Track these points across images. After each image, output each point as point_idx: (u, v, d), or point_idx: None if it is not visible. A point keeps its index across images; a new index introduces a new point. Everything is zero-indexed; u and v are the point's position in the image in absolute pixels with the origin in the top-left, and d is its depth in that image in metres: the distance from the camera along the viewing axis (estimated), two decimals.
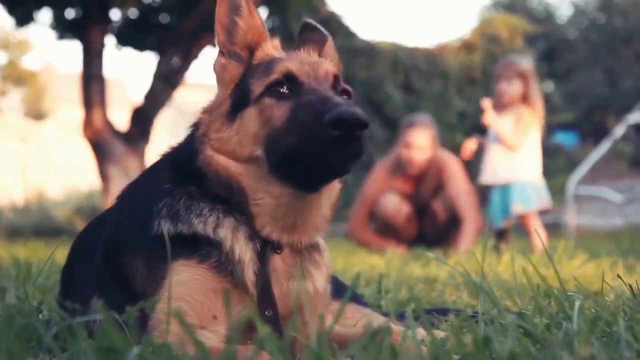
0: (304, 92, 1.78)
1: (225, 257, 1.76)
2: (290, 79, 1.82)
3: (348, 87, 1.92)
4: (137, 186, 2.02)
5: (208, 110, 1.93)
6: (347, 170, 1.77)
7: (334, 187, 1.90)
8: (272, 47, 1.97)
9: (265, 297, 1.76)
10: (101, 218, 2.11)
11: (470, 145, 6.44)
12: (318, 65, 1.88)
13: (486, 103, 6.30)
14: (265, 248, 1.81)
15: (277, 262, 1.84)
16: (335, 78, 1.88)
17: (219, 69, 1.97)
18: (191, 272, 1.72)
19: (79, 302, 1.83)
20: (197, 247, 1.76)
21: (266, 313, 1.74)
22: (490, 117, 6.25)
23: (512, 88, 6.28)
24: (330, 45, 2.06)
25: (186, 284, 1.71)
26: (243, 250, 1.77)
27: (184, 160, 1.88)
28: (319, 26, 2.10)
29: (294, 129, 1.70)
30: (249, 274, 1.76)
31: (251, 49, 1.95)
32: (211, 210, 1.80)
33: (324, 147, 1.67)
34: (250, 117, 1.81)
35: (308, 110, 1.70)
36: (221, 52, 1.98)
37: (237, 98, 1.88)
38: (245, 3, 1.95)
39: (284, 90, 1.81)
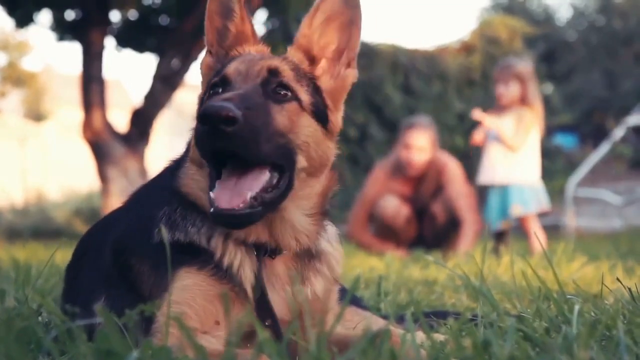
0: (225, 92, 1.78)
1: (220, 264, 1.78)
2: (224, 80, 1.83)
3: (287, 82, 1.82)
4: (144, 189, 2.06)
5: None
6: (241, 163, 1.70)
7: (306, 187, 1.85)
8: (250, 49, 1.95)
9: (262, 305, 1.77)
10: (107, 220, 2.13)
11: (478, 136, 6.43)
12: (255, 63, 1.85)
13: (477, 114, 6.33)
14: (259, 253, 1.81)
15: (280, 268, 1.85)
16: (271, 72, 1.82)
17: (205, 69, 1.98)
18: (194, 279, 1.75)
19: (85, 303, 1.84)
20: (195, 254, 1.78)
21: (266, 323, 1.75)
22: (489, 120, 6.26)
23: (509, 91, 6.30)
24: (302, 26, 1.96)
25: (190, 289, 1.73)
26: (232, 257, 1.79)
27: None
28: None
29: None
30: (246, 279, 1.78)
31: (228, 52, 1.97)
32: (203, 220, 1.81)
33: (200, 142, 1.70)
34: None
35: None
36: (209, 52, 1.99)
37: (200, 101, 1.91)
38: (238, 8, 1.95)
39: (219, 91, 1.82)
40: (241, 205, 1.68)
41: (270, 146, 1.71)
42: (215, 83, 1.84)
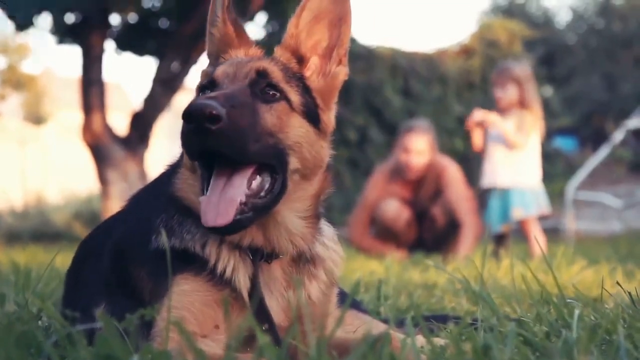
0: None
1: (214, 270, 1.77)
2: (212, 82, 1.82)
3: (276, 82, 1.81)
4: (143, 194, 2.05)
5: None
6: (230, 164, 1.69)
7: (300, 189, 1.83)
8: (240, 53, 1.94)
9: (259, 310, 1.76)
10: (106, 224, 2.13)
11: (477, 139, 6.42)
12: (243, 65, 1.84)
13: (478, 114, 6.32)
14: (255, 257, 1.80)
15: (277, 272, 1.85)
16: (260, 74, 1.81)
17: (203, 78, 1.98)
18: (192, 284, 1.74)
19: (85, 307, 1.84)
20: (191, 260, 1.78)
21: (263, 328, 1.74)
22: (492, 118, 6.26)
23: (507, 94, 6.32)
24: (290, 25, 1.94)
25: (188, 294, 1.72)
26: (225, 263, 1.78)
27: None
28: None
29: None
30: (240, 285, 1.77)
31: (219, 57, 1.96)
32: (198, 226, 1.79)
33: (186, 141, 1.67)
34: None
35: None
36: (210, 62, 2.00)
37: None
38: (220, 12, 1.94)
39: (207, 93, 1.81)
40: (230, 218, 1.65)
41: (259, 146, 1.69)
42: (203, 86, 1.84)
